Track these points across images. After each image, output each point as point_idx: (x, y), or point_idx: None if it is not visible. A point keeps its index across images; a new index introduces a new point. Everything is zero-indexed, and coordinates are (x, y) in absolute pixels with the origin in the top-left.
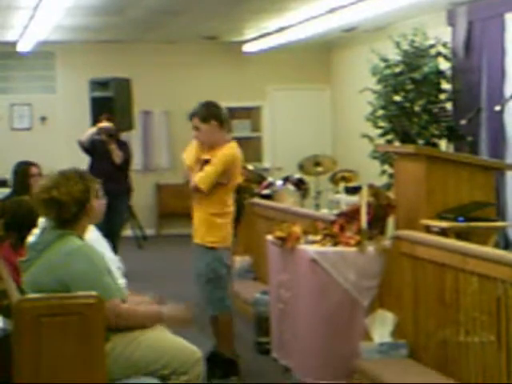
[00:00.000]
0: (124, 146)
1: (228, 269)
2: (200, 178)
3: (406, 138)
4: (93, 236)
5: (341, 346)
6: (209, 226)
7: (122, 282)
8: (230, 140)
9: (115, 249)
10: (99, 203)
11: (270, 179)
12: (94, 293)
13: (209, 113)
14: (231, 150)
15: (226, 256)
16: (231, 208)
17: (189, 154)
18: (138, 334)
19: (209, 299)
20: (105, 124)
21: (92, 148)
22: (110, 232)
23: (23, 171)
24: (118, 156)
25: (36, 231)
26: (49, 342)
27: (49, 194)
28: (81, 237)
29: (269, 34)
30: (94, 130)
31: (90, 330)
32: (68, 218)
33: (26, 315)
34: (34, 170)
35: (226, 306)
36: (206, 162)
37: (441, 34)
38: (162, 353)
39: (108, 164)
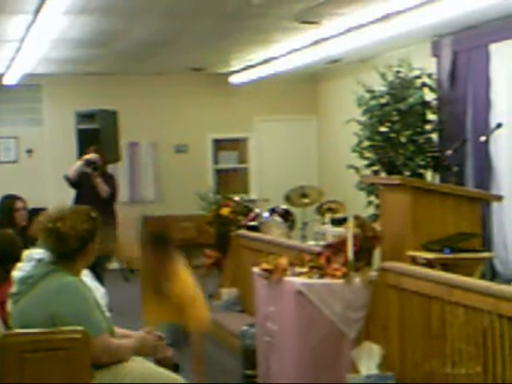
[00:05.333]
0: (110, 179)
1: None
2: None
3: (391, 169)
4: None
5: (328, 378)
6: None
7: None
8: None
9: (101, 281)
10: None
11: (256, 211)
12: (79, 328)
13: None
14: None
15: None
16: None
17: None
18: (122, 369)
19: None
20: (90, 155)
21: (78, 182)
22: (96, 264)
23: (8, 205)
24: (104, 191)
25: (21, 264)
26: (33, 378)
27: (53, 225)
28: (74, 275)
29: (255, 65)
30: (79, 164)
31: (76, 366)
32: (65, 252)
33: (10, 350)
34: (19, 203)
35: None
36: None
37: (426, 65)
38: (147, 382)
39: (93, 197)
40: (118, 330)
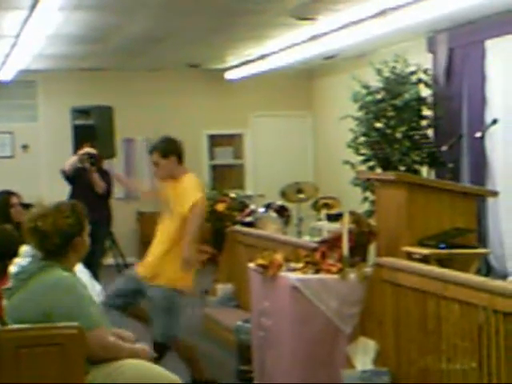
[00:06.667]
0: (105, 175)
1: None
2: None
3: (387, 165)
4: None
5: (323, 373)
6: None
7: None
8: (184, 172)
9: (96, 277)
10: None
11: (252, 206)
12: (74, 323)
13: (169, 148)
14: (194, 178)
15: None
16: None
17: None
18: (118, 366)
19: (159, 326)
20: (87, 149)
21: (73, 176)
22: (91, 260)
23: (4, 201)
24: (100, 186)
25: (18, 260)
26: (28, 374)
27: (33, 223)
28: (68, 270)
29: (251, 61)
30: (76, 158)
31: (71, 361)
32: (51, 249)
33: (6, 346)
34: (14, 199)
35: (173, 335)
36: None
37: (422, 61)
38: (144, 382)
39: (89, 192)
40: (115, 330)
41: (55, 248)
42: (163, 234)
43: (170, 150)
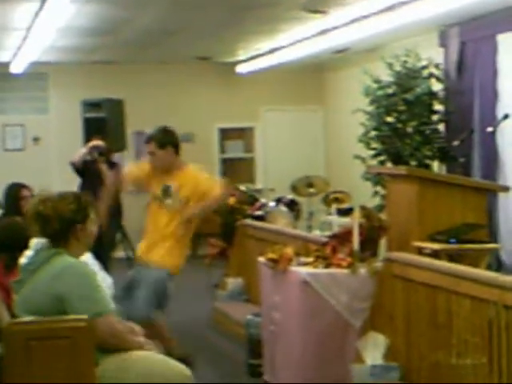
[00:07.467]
0: (115, 167)
1: None
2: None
3: (398, 159)
4: (85, 258)
5: (333, 368)
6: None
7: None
8: (185, 163)
9: (107, 270)
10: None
11: (262, 200)
12: (83, 316)
13: (166, 139)
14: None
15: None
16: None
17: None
18: (127, 356)
19: (142, 305)
20: (96, 142)
21: (83, 169)
22: (101, 253)
23: (14, 193)
24: (108, 178)
25: (28, 252)
26: (39, 366)
27: (35, 209)
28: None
29: (261, 55)
30: (85, 150)
31: (80, 354)
32: (51, 233)
33: (16, 339)
34: (25, 192)
35: (150, 313)
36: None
37: (433, 55)
38: (153, 374)
39: (98, 184)
40: (126, 324)
41: (55, 233)
42: (165, 225)
43: (167, 141)
